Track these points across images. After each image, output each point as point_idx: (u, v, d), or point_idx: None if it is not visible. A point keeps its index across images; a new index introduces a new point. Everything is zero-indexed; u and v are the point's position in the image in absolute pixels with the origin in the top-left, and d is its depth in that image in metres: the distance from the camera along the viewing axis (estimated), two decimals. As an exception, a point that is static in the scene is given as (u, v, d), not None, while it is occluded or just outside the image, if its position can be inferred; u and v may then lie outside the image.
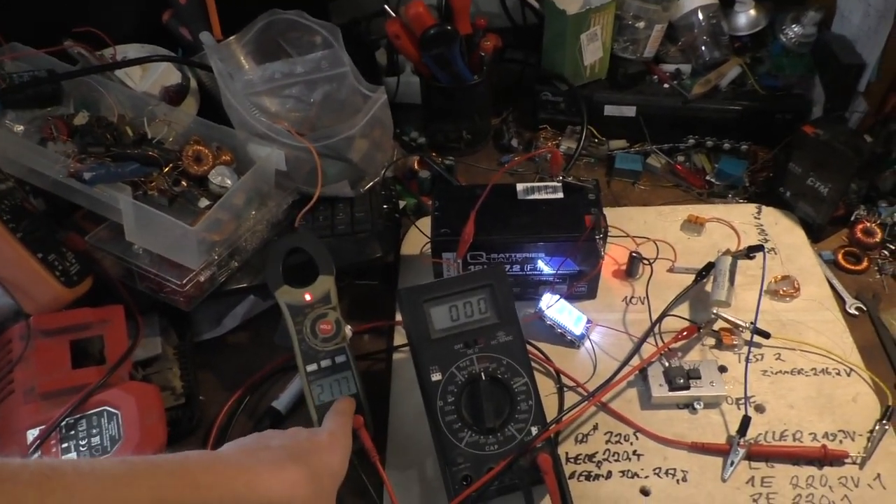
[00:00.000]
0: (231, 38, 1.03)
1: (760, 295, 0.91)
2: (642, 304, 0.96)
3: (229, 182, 0.91)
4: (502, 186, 0.95)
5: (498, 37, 1.11)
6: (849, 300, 0.96)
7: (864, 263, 1.00)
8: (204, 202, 0.91)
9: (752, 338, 0.89)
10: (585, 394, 0.87)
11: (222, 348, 0.97)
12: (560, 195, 0.93)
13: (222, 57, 0.96)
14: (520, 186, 0.94)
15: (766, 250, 0.92)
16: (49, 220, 0.90)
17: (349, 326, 0.92)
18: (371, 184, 1.05)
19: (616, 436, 0.84)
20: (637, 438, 0.84)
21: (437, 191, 0.96)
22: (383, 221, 1.01)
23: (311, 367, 0.84)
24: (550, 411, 0.85)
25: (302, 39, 1.00)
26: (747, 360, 0.88)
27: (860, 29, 1.06)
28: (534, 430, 0.77)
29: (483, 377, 0.78)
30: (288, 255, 0.88)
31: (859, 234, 1.02)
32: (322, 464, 0.68)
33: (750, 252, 0.92)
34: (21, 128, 0.93)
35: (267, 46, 1.02)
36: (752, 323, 0.89)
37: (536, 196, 0.94)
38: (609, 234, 1.03)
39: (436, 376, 0.78)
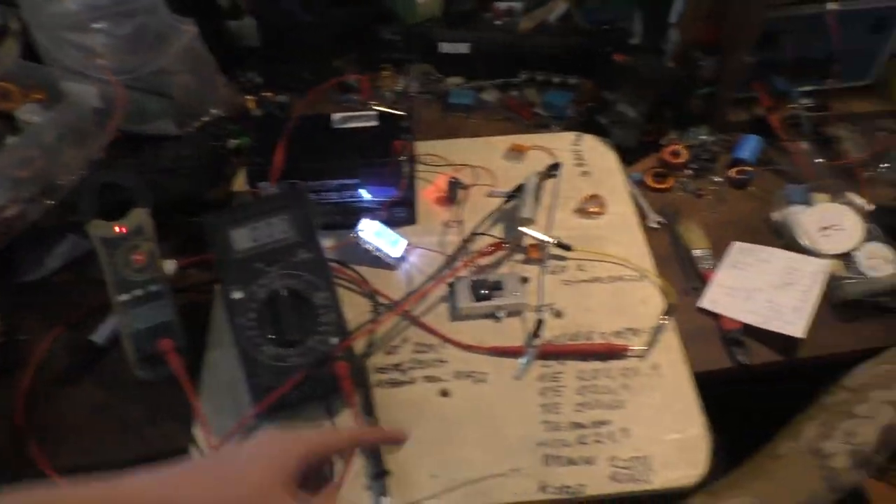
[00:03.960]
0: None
1: (555, 208, 0.97)
2: (461, 226, 1.01)
3: (37, 119, 0.91)
4: (319, 117, 0.98)
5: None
6: (651, 216, 1.03)
7: (670, 182, 1.07)
8: (13, 140, 0.91)
9: (546, 251, 0.95)
10: (400, 312, 0.91)
11: (49, 288, 0.97)
12: (375, 123, 0.97)
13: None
14: (335, 116, 0.97)
15: (562, 166, 0.98)
16: None
17: (174, 261, 0.94)
18: (201, 123, 1.06)
19: (423, 346, 0.89)
20: (443, 347, 0.89)
21: (256, 123, 0.98)
22: (210, 159, 1.03)
23: (125, 297, 0.85)
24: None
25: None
26: (543, 269, 0.94)
27: (669, -38, 1.12)
28: (334, 341, 0.81)
29: (283, 293, 0.81)
30: (105, 190, 0.89)
31: (667, 156, 1.09)
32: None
33: (550, 170, 0.98)
34: None
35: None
36: (556, 238, 0.95)
37: (352, 125, 0.97)
38: (436, 164, 1.08)
39: (237, 294, 0.81)
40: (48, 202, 0.92)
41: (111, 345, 0.90)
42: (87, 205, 0.87)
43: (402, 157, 0.91)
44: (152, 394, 0.85)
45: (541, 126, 1.17)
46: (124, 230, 0.87)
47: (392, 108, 0.96)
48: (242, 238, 0.83)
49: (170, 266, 0.95)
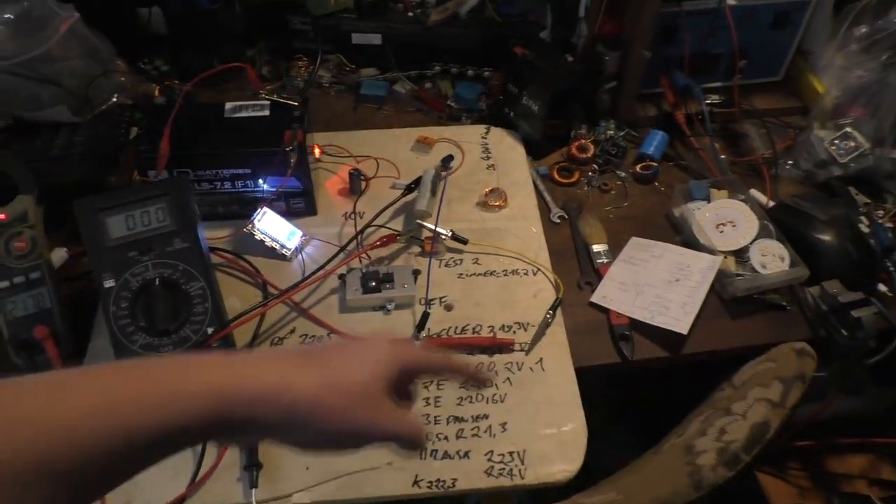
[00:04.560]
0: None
1: (441, 201, 0.96)
2: (360, 218, 1.00)
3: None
4: (212, 105, 0.96)
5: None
6: (554, 210, 1.02)
7: (575, 176, 1.06)
8: None
9: (441, 244, 0.94)
10: (291, 303, 0.90)
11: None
12: (267, 112, 0.95)
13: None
14: (228, 105, 0.95)
15: (457, 158, 0.98)
16: None
17: (64, 248, 0.92)
18: (99, 110, 1.04)
19: (311, 337, 0.88)
20: (330, 338, 0.87)
21: (148, 110, 0.96)
22: (106, 145, 1.00)
23: (3, 284, 0.83)
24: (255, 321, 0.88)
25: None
26: (433, 260, 0.94)
27: (579, -44, 1.12)
28: (209, 331, 0.80)
29: (156, 282, 0.80)
30: (-14, 176, 0.87)
31: (574, 150, 1.08)
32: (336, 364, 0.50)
33: (444, 163, 0.97)
34: None
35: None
36: (452, 231, 0.94)
37: (244, 114, 0.95)
38: (341, 156, 1.07)
39: (109, 283, 0.79)
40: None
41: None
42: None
43: (290, 147, 0.89)
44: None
45: (453, 119, 1.16)
46: (5, 217, 0.85)
47: (285, 98, 0.94)
48: (116, 225, 0.81)
49: (59, 254, 0.93)
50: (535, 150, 1.10)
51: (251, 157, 0.92)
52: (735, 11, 1.04)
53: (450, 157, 0.97)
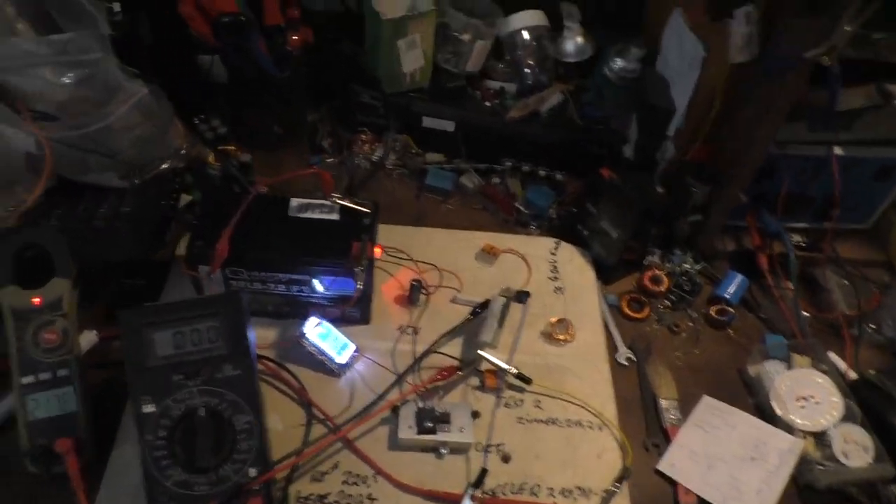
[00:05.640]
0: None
1: (517, 341, 0.89)
2: (416, 334, 0.93)
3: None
4: (276, 199, 0.89)
5: (310, 30, 1.04)
6: (621, 349, 0.95)
7: (646, 311, 1.00)
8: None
9: (503, 380, 0.87)
10: (333, 428, 0.83)
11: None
12: (335, 216, 0.88)
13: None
14: (293, 202, 0.88)
15: (529, 297, 0.92)
16: None
17: (94, 332, 0.85)
18: (149, 175, 0.96)
19: (355, 476, 0.80)
20: (376, 481, 0.80)
21: (203, 195, 0.88)
22: (152, 218, 0.93)
23: (28, 380, 0.76)
24: (295, 443, 0.80)
25: (74, 9, 0.89)
26: (497, 400, 0.87)
27: (677, 72, 1.04)
28: (252, 472, 0.72)
29: (201, 412, 0.72)
30: (25, 250, 0.79)
31: (647, 282, 1.01)
32: None
33: (519, 298, 0.90)
34: None
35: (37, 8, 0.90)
36: (515, 368, 0.87)
37: (310, 215, 0.88)
38: (400, 257, 1.00)
39: (148, 407, 0.72)
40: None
41: (3, 422, 0.80)
42: (4, 269, 0.78)
43: (360, 267, 0.82)
44: (39, 490, 0.76)
45: (520, 224, 1.09)
46: (39, 302, 0.78)
47: (356, 203, 0.87)
48: (163, 343, 0.73)
49: (89, 338, 0.86)
50: (604, 273, 1.03)
51: (315, 265, 0.84)
52: (840, 160, 0.98)
53: (526, 295, 0.90)
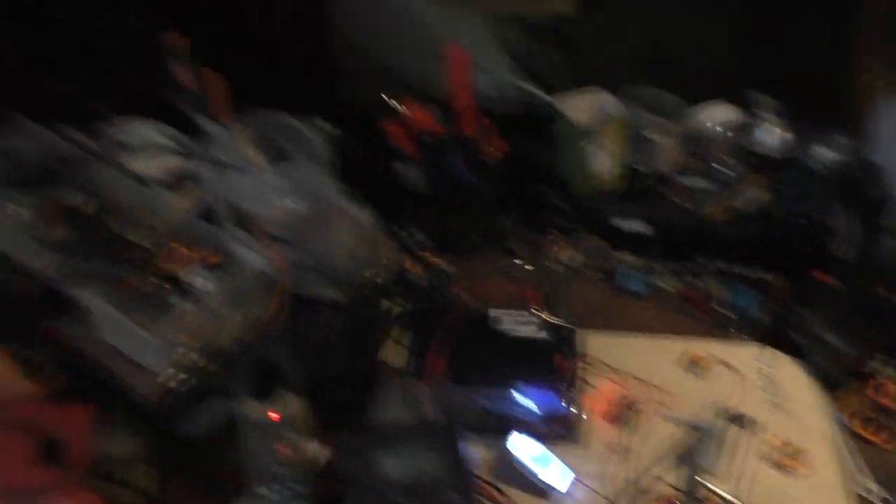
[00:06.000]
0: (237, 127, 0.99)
1: (740, 468, 0.82)
2: (627, 456, 0.87)
3: (201, 281, 0.87)
4: (476, 316, 0.90)
5: (505, 143, 1.06)
6: (862, 481, 0.85)
7: (884, 435, 0.89)
8: (178, 302, 0.86)
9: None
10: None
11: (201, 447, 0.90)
12: (534, 328, 0.87)
13: (226, 147, 0.92)
14: (492, 313, 0.89)
15: (746, 421, 0.84)
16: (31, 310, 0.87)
17: (325, 448, 0.86)
18: (355, 288, 1.00)
19: None
20: None
21: (413, 307, 0.91)
22: (360, 333, 0.96)
23: (263, 491, 0.79)
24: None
25: (300, 140, 0.96)
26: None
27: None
28: None
29: (423, 542, 0.72)
30: (258, 364, 0.85)
31: (874, 393, 0.91)
32: None
33: (738, 421, 0.84)
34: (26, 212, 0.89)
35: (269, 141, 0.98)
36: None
37: (509, 327, 0.88)
38: (601, 367, 0.96)
39: (374, 537, 0.72)
40: (212, 367, 0.86)
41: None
42: (244, 382, 0.83)
43: (568, 385, 0.79)
44: None
45: (719, 326, 1.02)
46: (277, 417, 0.82)
47: (559, 322, 0.85)
48: (386, 465, 0.74)
49: (319, 453, 0.86)
50: (825, 386, 0.94)
51: (519, 380, 0.83)
52: None
53: (747, 419, 0.84)
